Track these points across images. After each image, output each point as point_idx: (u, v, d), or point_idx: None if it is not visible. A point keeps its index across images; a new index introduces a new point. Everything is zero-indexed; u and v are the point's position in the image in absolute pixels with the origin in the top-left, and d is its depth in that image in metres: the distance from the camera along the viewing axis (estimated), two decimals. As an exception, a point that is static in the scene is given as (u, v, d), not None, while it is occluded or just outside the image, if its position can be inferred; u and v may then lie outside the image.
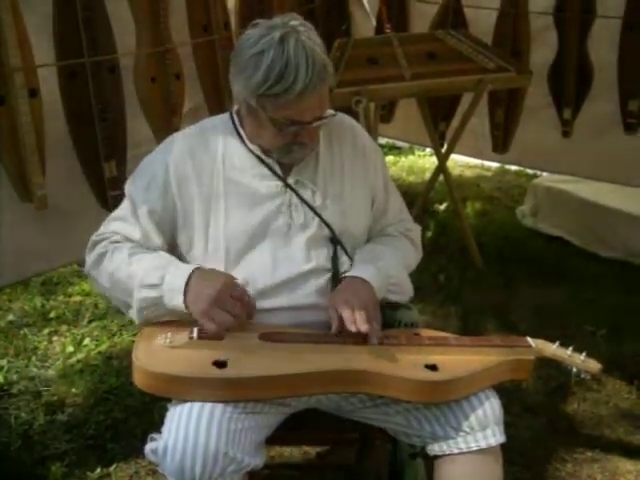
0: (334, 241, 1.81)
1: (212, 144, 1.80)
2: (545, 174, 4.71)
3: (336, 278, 1.79)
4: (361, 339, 1.67)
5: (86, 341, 3.21)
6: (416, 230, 2.04)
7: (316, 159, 1.83)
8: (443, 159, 4.05)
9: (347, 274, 1.79)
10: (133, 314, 1.73)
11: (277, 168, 1.79)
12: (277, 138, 1.71)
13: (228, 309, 1.62)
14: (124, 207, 1.82)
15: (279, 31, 1.62)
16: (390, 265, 1.85)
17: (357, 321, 1.65)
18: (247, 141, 1.79)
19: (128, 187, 1.83)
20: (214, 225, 1.75)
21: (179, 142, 1.82)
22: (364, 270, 1.78)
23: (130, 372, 1.60)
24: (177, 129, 2.38)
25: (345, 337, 1.68)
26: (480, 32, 3.95)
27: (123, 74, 2.73)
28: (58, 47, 2.53)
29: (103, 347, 3.16)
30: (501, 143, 4.22)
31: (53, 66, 2.52)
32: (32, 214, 2.49)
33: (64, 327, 3.34)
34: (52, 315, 3.44)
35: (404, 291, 1.91)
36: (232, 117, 1.83)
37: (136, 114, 2.85)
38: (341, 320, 1.68)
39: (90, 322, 3.38)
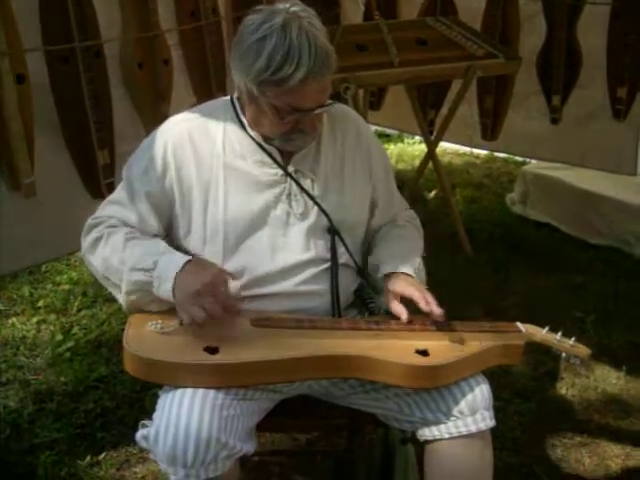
0: (332, 231, 1.80)
1: (212, 129, 1.78)
2: (534, 161, 4.72)
3: (335, 268, 1.79)
4: (427, 323, 1.71)
5: (75, 329, 3.20)
6: (416, 217, 2.07)
7: (317, 149, 1.82)
8: (432, 146, 4.05)
9: (390, 270, 1.79)
10: (120, 298, 1.71)
11: (277, 155, 1.77)
12: (278, 125, 1.69)
13: (204, 306, 1.57)
14: (121, 190, 1.79)
15: (281, 17, 1.59)
16: (417, 262, 1.87)
17: (430, 301, 1.68)
18: (248, 127, 1.77)
19: (126, 170, 1.81)
20: (213, 211, 1.74)
21: (178, 126, 1.79)
22: (405, 267, 1.79)
23: (119, 360, 1.59)
24: (165, 116, 2.36)
25: (411, 325, 1.72)
26: (469, 19, 3.94)
27: (108, 60, 2.71)
28: (45, 32, 2.50)
29: (92, 335, 3.15)
30: (490, 130, 4.23)
31: (42, 52, 2.49)
32: (22, 203, 2.48)
33: (53, 316, 3.32)
34: (40, 304, 3.42)
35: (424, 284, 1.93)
36: (233, 102, 1.80)
37: (125, 105, 2.84)
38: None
39: (79, 310, 3.37)
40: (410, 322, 1.71)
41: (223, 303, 1.59)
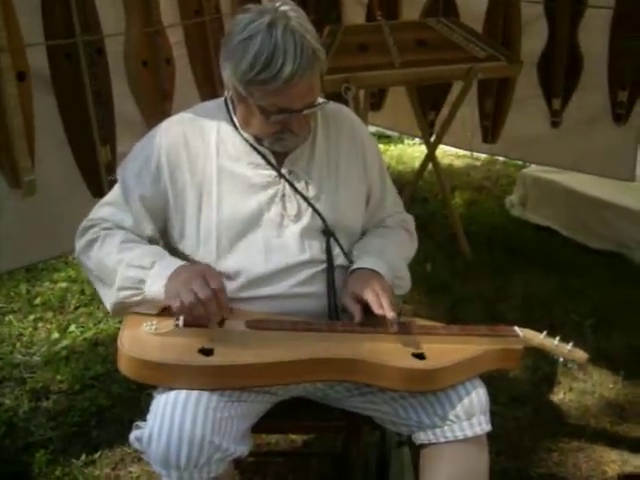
0: (327, 233, 1.79)
1: (206, 130, 1.77)
2: (534, 164, 4.72)
3: (331, 269, 1.77)
4: (380, 326, 1.68)
5: (72, 328, 3.19)
6: (411, 221, 2.04)
7: (312, 150, 1.81)
8: (432, 148, 4.04)
9: (356, 266, 1.78)
10: (110, 296, 1.70)
11: (271, 157, 1.76)
12: (266, 126, 1.68)
13: (194, 288, 1.55)
14: (115, 192, 1.79)
15: (268, 16, 1.59)
16: (394, 259, 1.85)
17: (384, 306, 1.65)
18: (240, 128, 1.76)
19: (120, 172, 1.81)
20: (206, 213, 1.73)
21: (172, 127, 1.79)
22: (374, 263, 1.77)
23: (116, 359, 1.58)
24: (168, 114, 2.35)
25: (365, 326, 1.69)
26: (471, 20, 3.94)
27: (110, 57, 2.70)
28: (47, 27, 2.49)
29: (89, 334, 3.15)
30: (490, 133, 4.22)
31: (44, 48, 2.49)
32: (22, 201, 2.47)
33: (49, 314, 3.32)
34: (37, 301, 3.42)
35: (405, 285, 1.90)
36: (226, 103, 1.80)
37: (128, 103, 2.83)
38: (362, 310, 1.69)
39: (76, 309, 3.37)
40: (364, 324, 1.69)
41: (214, 287, 1.57)
